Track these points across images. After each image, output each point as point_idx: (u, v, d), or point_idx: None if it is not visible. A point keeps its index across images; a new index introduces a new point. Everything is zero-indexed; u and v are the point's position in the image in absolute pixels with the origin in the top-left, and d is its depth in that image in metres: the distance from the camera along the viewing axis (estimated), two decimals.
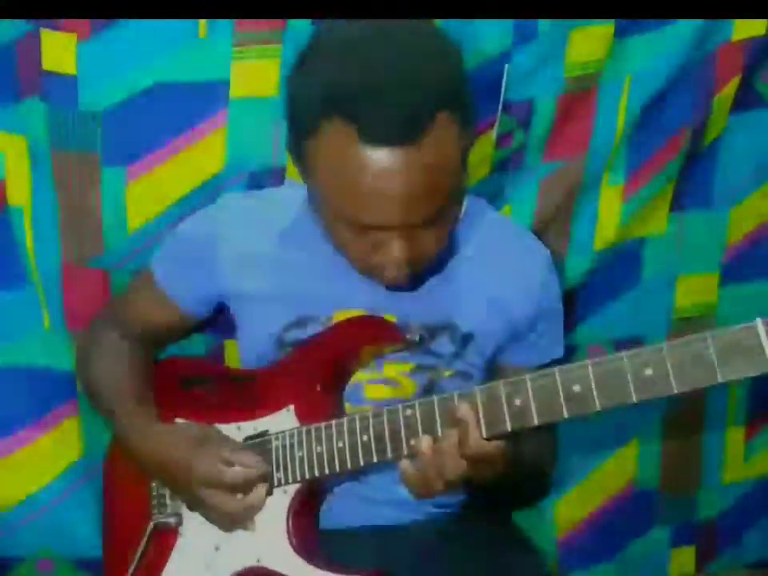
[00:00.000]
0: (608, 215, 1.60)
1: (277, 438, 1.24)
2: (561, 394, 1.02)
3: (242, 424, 1.28)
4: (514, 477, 1.17)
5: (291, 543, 1.21)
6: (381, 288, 1.23)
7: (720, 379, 0.95)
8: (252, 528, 1.24)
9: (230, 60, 1.42)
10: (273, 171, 1.48)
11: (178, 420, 1.34)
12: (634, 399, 0.99)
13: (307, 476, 1.20)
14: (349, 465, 1.17)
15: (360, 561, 1.19)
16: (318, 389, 1.25)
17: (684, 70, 1.53)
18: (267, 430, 1.26)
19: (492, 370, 1.33)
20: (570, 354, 1.46)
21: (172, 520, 1.31)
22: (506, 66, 1.48)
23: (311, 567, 1.19)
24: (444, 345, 1.28)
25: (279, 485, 1.23)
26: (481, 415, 1.07)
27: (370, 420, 1.16)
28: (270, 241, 1.31)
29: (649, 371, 0.98)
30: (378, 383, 1.29)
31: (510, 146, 1.55)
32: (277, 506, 1.23)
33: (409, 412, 1.13)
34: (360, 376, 1.28)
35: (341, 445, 1.18)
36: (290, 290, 1.29)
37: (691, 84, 1.55)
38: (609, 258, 1.63)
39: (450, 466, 1.07)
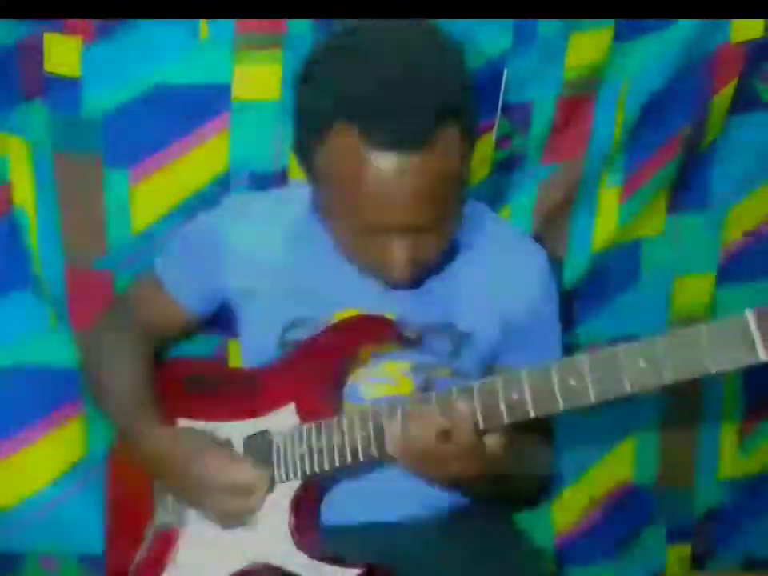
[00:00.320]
0: (606, 216, 1.61)
1: (278, 436, 1.25)
2: (556, 386, 1.03)
3: (244, 422, 1.29)
4: (508, 476, 1.18)
5: (293, 539, 1.22)
6: (380, 288, 1.24)
7: (711, 369, 0.96)
8: (254, 525, 1.24)
9: (231, 63, 1.43)
10: (276, 173, 1.49)
11: (181, 420, 1.34)
12: (629, 391, 1.00)
13: (308, 472, 1.21)
14: (349, 461, 1.18)
15: (360, 556, 1.20)
16: (319, 387, 1.26)
17: (682, 72, 1.54)
18: (268, 428, 1.27)
19: (489, 371, 1.34)
20: (568, 354, 1.47)
21: (174, 518, 1.31)
22: (506, 68, 1.49)
23: (313, 563, 1.20)
24: (442, 344, 1.29)
25: (281, 481, 1.24)
26: (478, 409, 1.08)
27: (370, 416, 1.17)
28: (273, 241, 1.31)
29: (643, 363, 0.99)
30: (377, 381, 1.29)
31: (509, 148, 1.56)
32: (278, 503, 1.23)
33: (407, 408, 1.13)
34: (359, 374, 1.29)
35: (341, 441, 1.18)
36: (291, 289, 1.30)
37: (689, 86, 1.56)
38: (607, 259, 1.63)
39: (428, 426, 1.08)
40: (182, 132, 1.45)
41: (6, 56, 1.39)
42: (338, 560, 1.19)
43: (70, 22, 1.39)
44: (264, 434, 1.27)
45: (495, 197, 1.58)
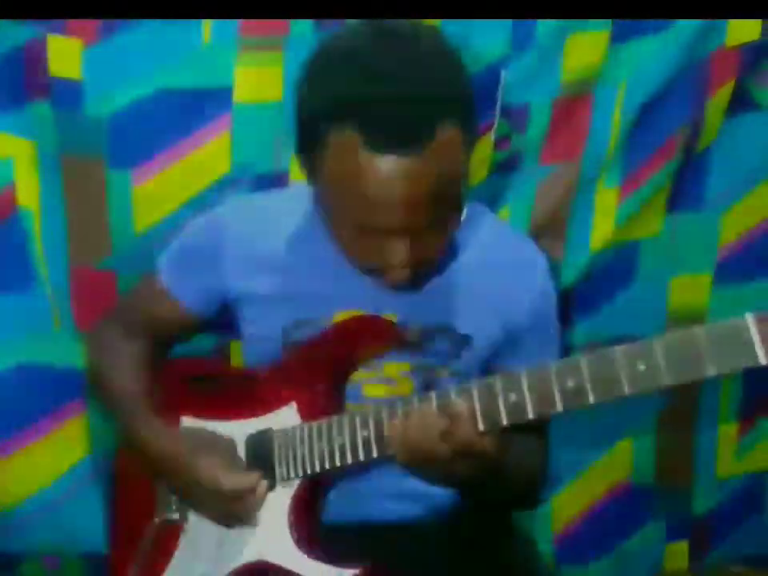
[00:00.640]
0: (603, 217, 1.62)
1: (279, 435, 1.25)
2: (555, 387, 1.03)
3: (246, 422, 1.29)
4: (505, 476, 1.18)
5: (293, 538, 1.22)
6: (381, 289, 1.23)
7: (710, 373, 0.96)
8: (254, 524, 1.24)
9: (233, 65, 1.44)
10: (277, 174, 1.50)
11: (184, 419, 1.35)
12: (627, 393, 1.00)
13: (309, 471, 1.21)
14: (349, 460, 1.18)
15: (361, 555, 1.19)
16: (320, 387, 1.26)
17: (679, 74, 1.55)
18: (270, 428, 1.27)
19: (489, 372, 1.32)
20: (565, 354, 1.47)
21: (176, 516, 1.31)
22: (504, 70, 1.51)
23: (313, 561, 1.20)
24: (442, 345, 1.29)
25: (281, 480, 1.24)
26: (477, 410, 1.08)
27: (370, 416, 1.17)
28: (274, 242, 1.32)
29: (641, 365, 0.99)
30: (377, 382, 1.30)
31: (507, 149, 1.57)
32: (279, 502, 1.24)
33: (407, 408, 1.14)
34: (360, 375, 1.29)
35: (341, 441, 1.18)
36: (292, 291, 1.30)
37: (686, 88, 1.57)
38: (604, 260, 1.64)
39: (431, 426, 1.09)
40: (184, 133, 1.46)
41: (12, 58, 1.40)
42: (337, 559, 1.20)
43: (71, 23, 1.40)
44: (265, 434, 1.27)
45: (494, 198, 1.59)
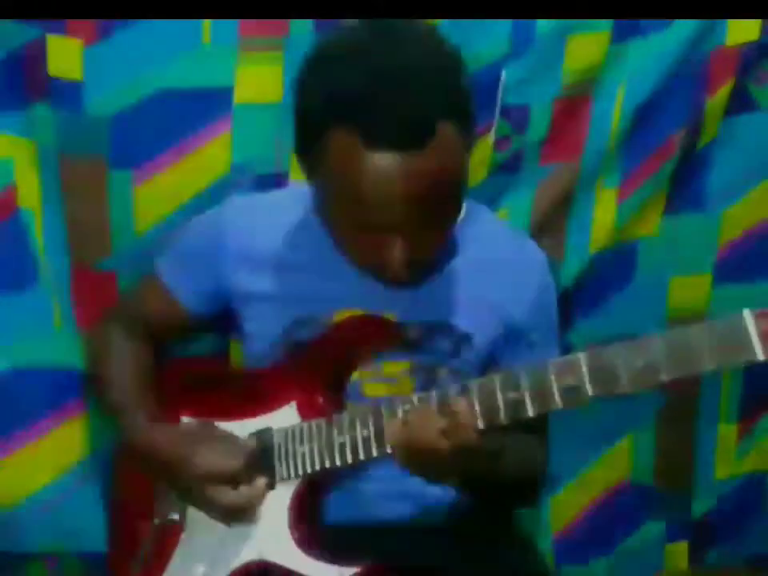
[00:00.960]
0: (603, 218, 1.62)
1: (279, 434, 1.26)
2: (554, 385, 1.04)
3: (246, 421, 1.30)
4: (503, 473, 1.19)
5: (293, 537, 1.22)
6: (380, 288, 1.24)
7: (707, 369, 0.97)
8: (254, 522, 1.25)
9: (233, 66, 1.45)
10: (277, 174, 1.50)
11: (184, 418, 1.35)
12: (626, 389, 1.00)
13: (309, 471, 1.22)
14: (349, 460, 1.18)
15: (361, 555, 1.20)
16: (320, 386, 1.27)
17: (678, 74, 1.56)
18: (270, 427, 1.27)
19: (488, 370, 1.33)
20: (565, 354, 1.47)
21: (176, 516, 1.32)
22: (503, 71, 1.51)
23: (313, 561, 1.20)
24: (442, 344, 1.30)
25: (282, 479, 1.25)
26: (477, 408, 1.08)
27: (370, 416, 1.17)
28: (274, 242, 1.32)
29: (640, 362, 0.99)
30: (377, 381, 1.30)
31: (507, 150, 1.57)
32: (279, 501, 1.24)
33: (407, 407, 1.14)
34: (360, 374, 1.30)
35: (341, 440, 1.19)
36: (292, 290, 1.31)
37: (685, 88, 1.57)
38: (603, 260, 1.65)
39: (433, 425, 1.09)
40: (184, 133, 1.46)
41: (12, 58, 1.40)
42: (337, 559, 1.20)
43: (71, 23, 1.40)
44: (265, 433, 1.27)
45: (493, 198, 1.59)
